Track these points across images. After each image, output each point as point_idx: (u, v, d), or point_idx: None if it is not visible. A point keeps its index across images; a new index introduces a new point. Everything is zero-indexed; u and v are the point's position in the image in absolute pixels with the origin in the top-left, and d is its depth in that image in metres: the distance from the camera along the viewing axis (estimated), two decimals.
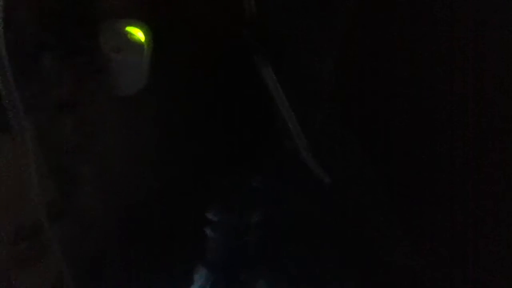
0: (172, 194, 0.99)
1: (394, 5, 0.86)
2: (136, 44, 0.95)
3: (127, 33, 0.95)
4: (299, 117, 0.91)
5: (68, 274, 0.91)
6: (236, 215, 0.96)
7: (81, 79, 0.94)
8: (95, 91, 0.94)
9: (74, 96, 0.93)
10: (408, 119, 0.88)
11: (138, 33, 0.96)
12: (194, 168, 0.96)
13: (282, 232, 0.94)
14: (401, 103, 0.88)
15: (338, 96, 0.92)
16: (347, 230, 0.91)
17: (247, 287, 0.95)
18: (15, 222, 0.89)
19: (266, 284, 0.95)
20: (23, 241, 0.89)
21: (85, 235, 0.94)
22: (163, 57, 0.96)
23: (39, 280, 0.92)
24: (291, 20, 0.91)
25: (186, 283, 0.97)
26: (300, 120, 0.91)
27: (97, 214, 0.95)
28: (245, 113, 0.94)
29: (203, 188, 0.98)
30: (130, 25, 0.95)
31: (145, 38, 0.96)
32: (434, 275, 0.86)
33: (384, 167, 0.89)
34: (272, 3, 0.92)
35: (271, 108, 0.91)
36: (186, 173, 0.97)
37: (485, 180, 0.82)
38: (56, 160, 0.91)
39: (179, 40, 0.97)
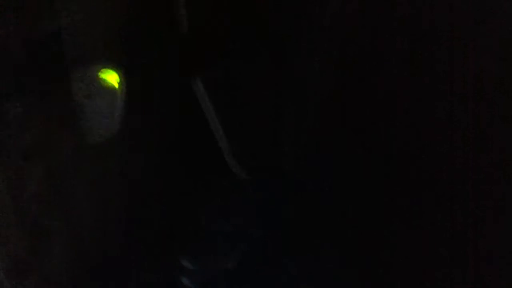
0: (142, 245, 0.95)
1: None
2: (108, 89, 0.92)
3: (98, 79, 0.92)
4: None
5: None
6: (212, 261, 0.93)
7: (49, 127, 0.89)
8: (63, 139, 0.90)
9: (42, 144, 0.88)
10: (408, 120, 0.87)
11: (110, 78, 0.92)
12: (163, 216, 0.95)
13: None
14: (401, 103, 0.87)
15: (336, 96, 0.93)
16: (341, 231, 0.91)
17: None
18: None
19: None
20: None
21: None
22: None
23: None
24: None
25: None
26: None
27: (64, 272, 0.90)
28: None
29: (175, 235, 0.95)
30: (103, 70, 0.92)
31: (118, 83, 0.92)
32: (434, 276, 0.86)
33: (384, 167, 0.89)
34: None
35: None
36: (155, 222, 0.95)
37: (485, 180, 0.80)
38: (22, 212, 0.86)
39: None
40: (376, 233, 0.89)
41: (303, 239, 0.95)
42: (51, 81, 0.88)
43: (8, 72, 0.83)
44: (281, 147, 0.99)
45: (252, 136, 0.98)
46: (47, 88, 0.87)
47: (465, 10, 0.78)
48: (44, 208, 0.86)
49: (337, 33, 0.91)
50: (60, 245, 0.88)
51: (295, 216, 0.98)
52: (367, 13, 0.86)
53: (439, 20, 0.81)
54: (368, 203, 0.89)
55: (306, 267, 0.94)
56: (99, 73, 0.91)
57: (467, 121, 0.80)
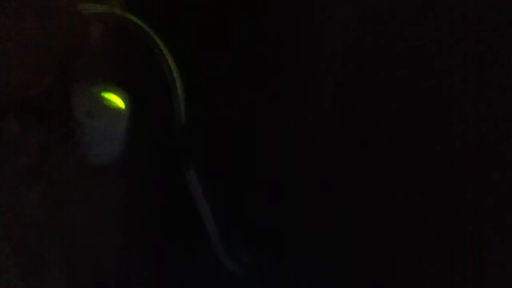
0: (142, 275, 0.91)
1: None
2: (110, 109, 0.87)
3: (103, 98, 0.87)
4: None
5: None
6: None
7: (48, 147, 0.84)
8: (62, 160, 0.85)
9: (40, 165, 0.84)
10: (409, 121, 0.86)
11: (115, 99, 0.87)
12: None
13: None
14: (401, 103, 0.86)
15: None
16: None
17: None
18: None
19: None
20: None
21: None
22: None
23: None
24: None
25: None
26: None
27: None
28: None
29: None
30: (107, 90, 0.87)
31: (122, 103, 0.87)
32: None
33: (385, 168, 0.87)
34: None
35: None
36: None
37: (485, 180, 0.80)
38: (19, 240, 0.81)
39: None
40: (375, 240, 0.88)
41: None
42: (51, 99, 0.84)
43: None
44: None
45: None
46: (47, 107, 0.84)
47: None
48: (42, 235, 0.82)
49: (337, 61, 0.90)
50: (56, 274, 0.83)
51: None
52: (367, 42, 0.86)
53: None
54: (365, 206, 0.88)
55: None
56: (102, 92, 0.87)
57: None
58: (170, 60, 0.89)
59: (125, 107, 0.87)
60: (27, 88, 0.82)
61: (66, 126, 0.86)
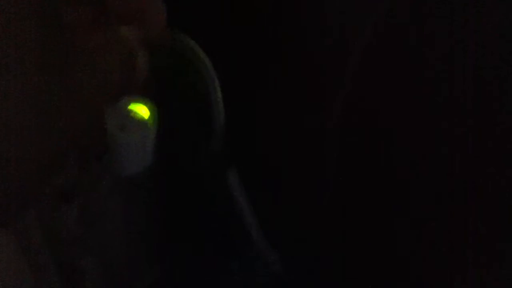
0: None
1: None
2: (140, 122, 0.89)
3: (130, 111, 0.89)
4: None
5: None
6: None
7: (84, 164, 0.87)
8: (98, 175, 0.87)
9: (77, 183, 0.86)
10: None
11: (142, 111, 0.89)
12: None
13: None
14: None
15: None
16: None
17: None
18: None
19: None
20: None
21: None
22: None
23: None
24: None
25: None
26: None
27: None
28: None
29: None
30: (134, 102, 0.89)
31: (150, 115, 0.89)
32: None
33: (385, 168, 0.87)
34: None
35: None
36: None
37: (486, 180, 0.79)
38: (58, 254, 0.84)
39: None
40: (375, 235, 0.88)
41: None
42: None
43: None
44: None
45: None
46: None
47: None
48: (79, 250, 0.84)
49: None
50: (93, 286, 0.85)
51: None
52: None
53: None
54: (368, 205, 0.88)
55: None
56: (131, 105, 0.89)
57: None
58: (207, 61, 0.90)
59: (154, 118, 0.88)
60: None
61: (101, 141, 0.88)
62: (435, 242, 0.84)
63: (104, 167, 0.89)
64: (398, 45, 0.85)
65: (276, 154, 0.93)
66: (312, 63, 0.91)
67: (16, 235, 0.84)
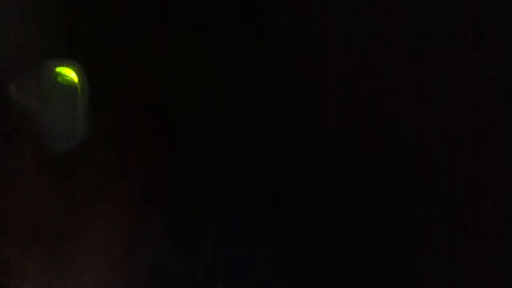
0: None
1: None
2: (69, 87, 0.73)
3: (57, 74, 0.72)
4: None
5: None
6: None
7: None
8: (9, 156, 0.71)
9: None
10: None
11: (70, 74, 0.73)
12: None
13: None
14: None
15: None
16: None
17: None
18: None
19: None
20: None
21: None
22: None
23: None
24: None
25: None
26: None
27: None
28: None
29: None
30: (61, 65, 0.73)
31: (79, 79, 0.73)
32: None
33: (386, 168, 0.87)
34: None
35: None
36: None
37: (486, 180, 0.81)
38: None
39: None
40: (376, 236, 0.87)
41: None
42: None
43: None
44: None
45: None
46: None
47: None
48: None
49: None
50: None
51: None
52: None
53: None
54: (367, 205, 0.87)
55: None
56: (55, 71, 0.72)
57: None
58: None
59: (81, 85, 0.72)
60: None
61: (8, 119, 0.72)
62: (435, 242, 0.84)
63: (17, 146, 0.72)
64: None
65: (276, 154, 0.89)
66: (313, 63, 0.88)
67: None
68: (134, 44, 0.81)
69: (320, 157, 0.89)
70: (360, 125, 0.86)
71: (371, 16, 0.85)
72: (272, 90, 0.90)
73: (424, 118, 0.84)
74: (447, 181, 0.82)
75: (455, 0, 0.79)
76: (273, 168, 0.90)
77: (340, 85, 0.87)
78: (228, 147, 0.88)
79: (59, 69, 0.73)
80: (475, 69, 0.80)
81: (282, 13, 0.89)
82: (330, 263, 0.87)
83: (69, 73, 0.73)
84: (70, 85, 0.72)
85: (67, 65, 0.73)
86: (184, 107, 0.84)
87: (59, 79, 0.72)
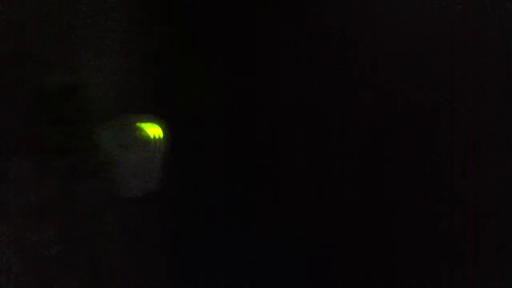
0: None
1: None
2: (146, 140, 0.81)
3: (136, 129, 0.81)
4: None
5: None
6: None
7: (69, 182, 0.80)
8: (86, 195, 0.80)
9: (57, 201, 0.78)
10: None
11: (148, 129, 0.82)
12: None
13: None
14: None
15: None
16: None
17: None
18: None
19: None
20: None
21: None
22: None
23: None
24: None
25: None
26: None
27: None
28: None
29: None
30: (141, 120, 0.82)
31: (157, 134, 0.81)
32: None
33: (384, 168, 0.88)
34: None
35: None
36: None
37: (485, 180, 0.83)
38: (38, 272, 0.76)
39: None
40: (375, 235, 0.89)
41: None
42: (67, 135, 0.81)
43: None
44: None
45: None
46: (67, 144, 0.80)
47: None
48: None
49: None
50: None
51: None
52: None
53: None
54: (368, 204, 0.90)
55: None
56: (138, 123, 0.81)
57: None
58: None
59: (162, 139, 0.82)
60: None
61: (91, 161, 0.81)
62: (436, 241, 0.86)
63: (95, 187, 0.81)
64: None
65: (276, 154, 0.93)
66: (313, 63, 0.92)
67: None
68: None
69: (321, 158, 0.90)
70: (361, 125, 0.88)
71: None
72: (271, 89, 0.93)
73: (423, 118, 0.85)
74: (447, 181, 0.84)
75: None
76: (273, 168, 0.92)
77: (340, 85, 0.88)
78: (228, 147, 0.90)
79: (142, 125, 0.81)
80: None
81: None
82: (330, 263, 0.88)
83: (148, 129, 0.81)
84: (150, 139, 0.81)
85: (147, 121, 0.81)
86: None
87: (141, 134, 0.79)
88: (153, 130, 0.82)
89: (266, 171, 0.96)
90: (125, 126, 0.81)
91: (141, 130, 0.81)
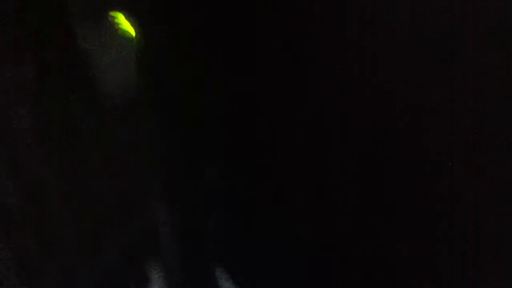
0: None
1: None
2: (125, 37, 0.74)
3: (116, 25, 0.80)
4: None
5: None
6: None
7: None
8: None
9: None
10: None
11: (127, 25, 0.74)
12: None
13: None
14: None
15: None
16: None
17: None
18: None
19: None
20: None
21: None
22: None
23: None
24: None
25: None
26: None
27: None
28: None
29: None
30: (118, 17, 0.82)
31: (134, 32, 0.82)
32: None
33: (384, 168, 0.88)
34: None
35: None
36: None
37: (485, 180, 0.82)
38: None
39: None
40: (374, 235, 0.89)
41: None
42: None
43: None
44: None
45: None
46: None
47: None
48: None
49: None
50: None
51: None
52: None
53: None
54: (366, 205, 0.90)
55: None
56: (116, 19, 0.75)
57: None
58: None
59: (138, 36, 0.81)
60: None
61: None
62: (436, 241, 0.86)
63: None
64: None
65: (276, 154, 0.94)
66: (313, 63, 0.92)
67: None
68: None
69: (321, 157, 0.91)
70: (361, 125, 0.88)
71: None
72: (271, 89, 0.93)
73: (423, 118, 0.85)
74: (447, 181, 0.83)
75: None
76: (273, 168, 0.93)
77: (340, 85, 0.89)
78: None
79: (119, 17, 0.75)
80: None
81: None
82: (330, 263, 0.90)
83: (126, 25, 0.74)
84: (126, 34, 0.74)
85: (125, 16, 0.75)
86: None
87: (116, 27, 0.74)
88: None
89: (266, 171, 0.94)
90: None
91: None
